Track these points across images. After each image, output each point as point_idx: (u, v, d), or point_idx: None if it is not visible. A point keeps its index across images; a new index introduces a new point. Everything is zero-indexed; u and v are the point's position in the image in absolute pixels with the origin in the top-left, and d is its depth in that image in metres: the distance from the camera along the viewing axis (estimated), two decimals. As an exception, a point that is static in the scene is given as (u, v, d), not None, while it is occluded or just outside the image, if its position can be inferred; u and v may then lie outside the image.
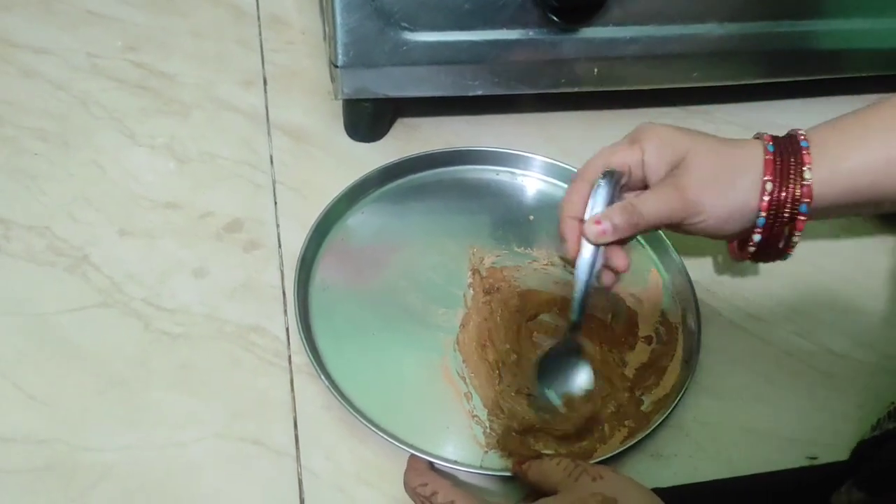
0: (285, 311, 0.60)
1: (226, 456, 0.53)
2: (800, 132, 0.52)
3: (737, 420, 0.57)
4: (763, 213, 0.52)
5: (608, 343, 0.60)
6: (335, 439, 0.54)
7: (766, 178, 0.51)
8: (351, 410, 0.53)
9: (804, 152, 0.51)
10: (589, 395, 0.56)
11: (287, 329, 0.59)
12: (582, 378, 0.57)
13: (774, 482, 0.55)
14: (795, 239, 0.53)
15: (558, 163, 0.70)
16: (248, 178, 0.69)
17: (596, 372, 0.57)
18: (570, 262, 0.55)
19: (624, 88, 0.72)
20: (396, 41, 0.65)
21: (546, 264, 0.64)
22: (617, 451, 0.53)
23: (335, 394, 0.54)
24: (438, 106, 0.73)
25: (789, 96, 0.79)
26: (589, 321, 0.60)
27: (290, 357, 0.58)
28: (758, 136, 0.54)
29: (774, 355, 0.61)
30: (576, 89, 0.70)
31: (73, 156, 0.69)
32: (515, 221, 0.67)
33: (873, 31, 0.71)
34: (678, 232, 0.55)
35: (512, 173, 0.71)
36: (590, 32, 0.67)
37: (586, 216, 0.53)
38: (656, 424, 0.54)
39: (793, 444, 0.56)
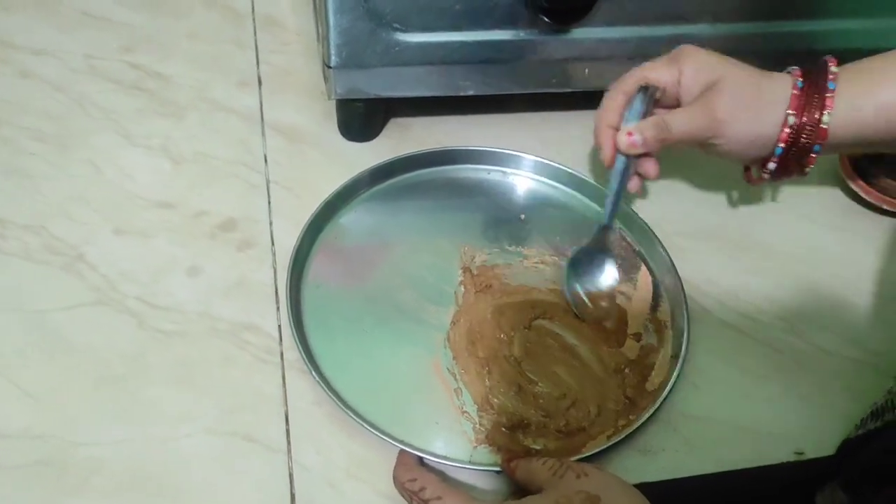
0: (278, 308, 0.61)
1: (218, 451, 0.53)
2: (831, 67, 0.55)
3: (724, 415, 0.58)
4: (782, 144, 0.56)
5: (599, 340, 0.60)
6: (326, 435, 0.55)
7: (789, 112, 0.55)
8: (342, 406, 0.54)
9: (828, 95, 0.54)
10: (612, 292, 0.61)
11: (279, 326, 0.60)
12: (607, 276, 0.61)
13: (761, 477, 0.56)
14: (808, 170, 0.58)
15: (549, 162, 0.70)
16: (243, 177, 0.70)
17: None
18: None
19: (615, 88, 0.73)
20: (388, 42, 0.65)
21: (537, 262, 0.65)
22: (605, 447, 0.53)
23: (326, 390, 0.54)
24: (430, 106, 0.74)
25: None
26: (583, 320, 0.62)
27: (282, 354, 0.59)
28: (790, 71, 0.58)
29: (763, 352, 0.62)
30: (567, 89, 0.71)
31: (70, 156, 0.70)
32: (506, 220, 0.68)
33: (867, 30, 0.72)
34: (702, 151, 0.60)
35: (503, 172, 0.72)
36: (580, 33, 0.67)
37: (621, 126, 0.58)
38: (644, 419, 0.55)
39: (780, 440, 0.57)
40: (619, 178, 0.60)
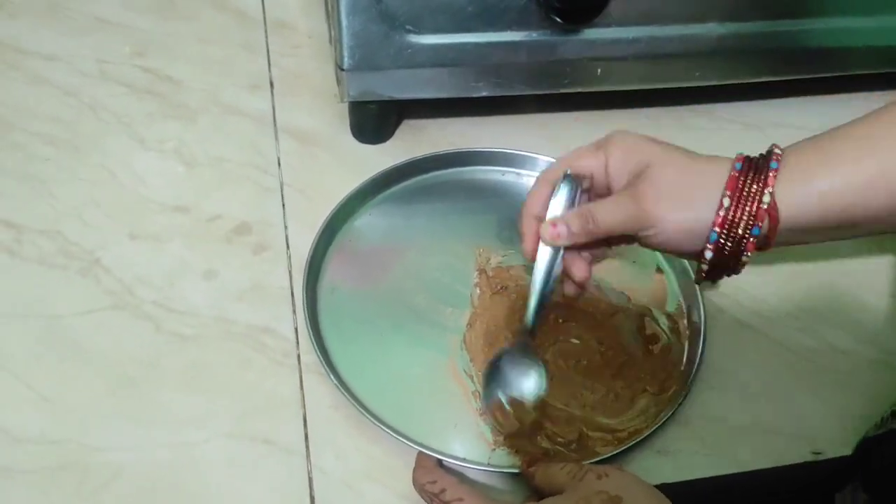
0: (294, 311, 0.61)
1: (236, 455, 0.53)
2: (776, 150, 0.49)
3: (741, 416, 0.58)
4: (716, 229, 0.48)
5: (610, 343, 0.60)
6: (344, 438, 0.55)
7: (725, 194, 0.48)
8: (360, 409, 0.54)
9: (771, 174, 0.48)
10: (538, 401, 0.54)
11: (296, 329, 0.60)
12: (533, 383, 0.54)
13: (779, 477, 0.55)
14: (745, 258, 0.50)
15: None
16: (256, 181, 0.70)
17: (552, 377, 0.56)
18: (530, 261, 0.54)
19: (626, 88, 0.73)
20: (401, 44, 0.65)
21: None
22: (623, 448, 0.53)
23: (344, 393, 0.54)
24: (443, 107, 0.74)
25: (791, 94, 0.80)
26: (591, 320, 0.61)
27: (299, 357, 0.59)
28: (736, 156, 0.51)
29: (778, 352, 0.61)
30: (579, 90, 0.71)
31: (83, 160, 0.70)
32: (521, 221, 0.68)
33: (874, 28, 0.72)
34: (639, 244, 0.53)
35: (517, 174, 0.72)
36: (592, 33, 0.67)
37: (546, 218, 0.52)
38: (662, 421, 0.55)
39: (797, 440, 0.57)
40: (543, 274, 0.53)
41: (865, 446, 0.54)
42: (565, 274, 0.54)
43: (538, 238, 0.53)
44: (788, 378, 0.60)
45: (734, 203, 0.48)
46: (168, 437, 0.54)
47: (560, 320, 0.61)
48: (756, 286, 0.65)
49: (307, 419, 0.55)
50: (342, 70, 0.66)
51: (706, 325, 0.60)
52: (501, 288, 0.63)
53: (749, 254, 0.49)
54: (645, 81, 0.73)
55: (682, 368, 0.59)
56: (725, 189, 0.48)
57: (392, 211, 0.69)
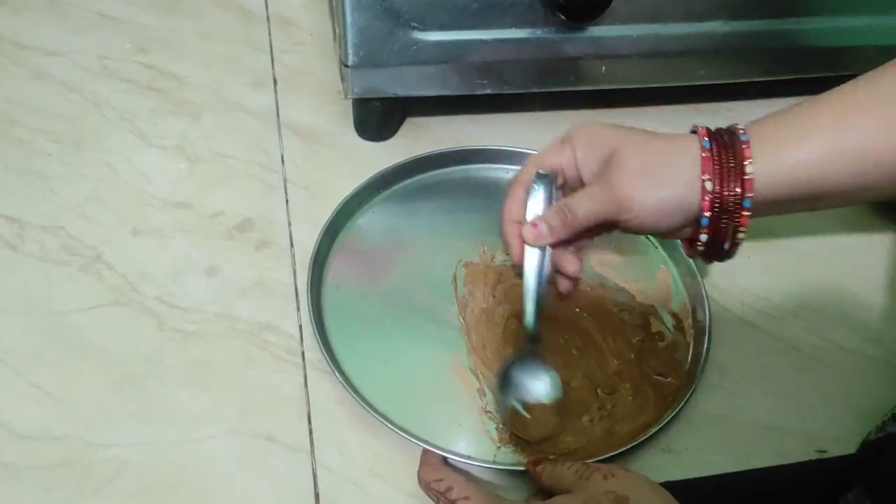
0: (298, 308, 0.61)
1: (241, 452, 0.53)
2: (739, 126, 0.50)
3: (746, 414, 0.57)
4: (707, 213, 0.49)
5: (619, 339, 0.60)
6: (349, 435, 0.55)
7: (705, 177, 0.49)
8: (364, 406, 0.54)
9: (744, 146, 0.49)
10: (555, 405, 0.54)
11: (300, 326, 0.60)
12: (546, 387, 0.54)
13: (784, 475, 0.55)
14: (741, 236, 0.51)
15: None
16: (259, 177, 0.70)
17: (564, 384, 0.56)
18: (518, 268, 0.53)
19: (631, 86, 0.73)
20: (406, 41, 0.65)
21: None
22: (629, 447, 0.53)
23: (349, 390, 0.54)
24: (447, 105, 0.74)
25: (795, 94, 0.79)
26: (602, 316, 0.61)
27: (303, 354, 0.58)
28: (693, 130, 0.52)
29: (783, 350, 0.61)
30: (583, 87, 0.71)
31: (86, 156, 0.70)
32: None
33: (878, 27, 0.72)
34: (621, 231, 0.53)
35: (521, 172, 0.71)
36: (597, 31, 0.67)
37: (526, 220, 0.52)
38: (667, 419, 0.54)
39: (802, 438, 0.56)
40: (535, 275, 0.52)
41: (866, 451, 0.54)
42: (557, 272, 0.54)
43: (521, 242, 0.52)
44: (793, 377, 0.60)
45: (717, 184, 0.49)
46: (171, 434, 0.54)
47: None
48: (761, 285, 0.65)
49: (311, 416, 0.55)
50: (346, 67, 0.66)
51: (711, 323, 0.60)
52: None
53: (745, 230, 0.50)
54: (649, 80, 0.73)
55: (688, 367, 0.59)
56: (703, 171, 0.49)
57: (396, 209, 0.68)
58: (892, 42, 0.73)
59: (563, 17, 0.65)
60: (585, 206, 0.51)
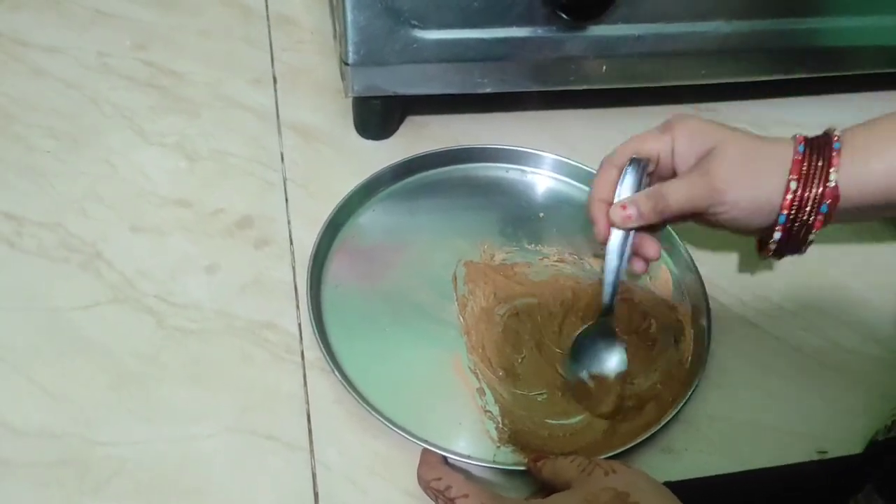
0: (297, 307, 0.61)
1: (239, 450, 0.53)
2: (835, 133, 0.52)
3: (747, 415, 0.57)
4: (784, 211, 0.52)
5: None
6: (348, 433, 0.54)
7: (791, 178, 0.51)
8: (364, 405, 0.53)
9: (834, 154, 0.51)
10: (621, 377, 0.56)
11: (299, 325, 0.60)
12: (614, 360, 0.56)
13: (785, 476, 0.55)
14: (812, 237, 0.53)
15: (568, 160, 0.70)
16: (259, 175, 0.70)
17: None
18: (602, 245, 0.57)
19: (632, 86, 0.73)
20: (406, 39, 0.65)
21: (556, 261, 0.65)
22: (628, 447, 0.53)
23: (348, 388, 0.54)
24: (448, 104, 0.73)
25: (797, 93, 0.80)
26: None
27: (302, 352, 0.58)
28: (794, 137, 0.54)
29: (784, 350, 0.61)
30: (584, 87, 0.71)
31: (84, 153, 0.70)
32: (526, 218, 0.68)
33: (881, 27, 0.71)
34: (703, 223, 0.56)
35: (522, 171, 0.71)
36: (598, 30, 0.67)
37: (614, 201, 0.55)
38: (667, 419, 0.54)
39: (803, 439, 0.56)
40: (616, 255, 0.56)
41: (876, 450, 0.54)
42: (635, 253, 0.57)
43: (608, 222, 0.56)
44: (794, 377, 0.60)
45: (800, 185, 0.51)
46: (170, 432, 0.53)
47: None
48: (762, 285, 0.65)
49: (310, 415, 0.55)
50: (347, 65, 0.66)
51: (711, 323, 0.60)
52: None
53: (815, 232, 0.53)
54: (650, 79, 0.73)
55: (688, 367, 0.59)
56: (791, 172, 0.51)
57: (395, 208, 0.68)
58: (894, 42, 0.73)
59: (564, 16, 0.65)
60: (682, 194, 0.54)
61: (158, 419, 0.54)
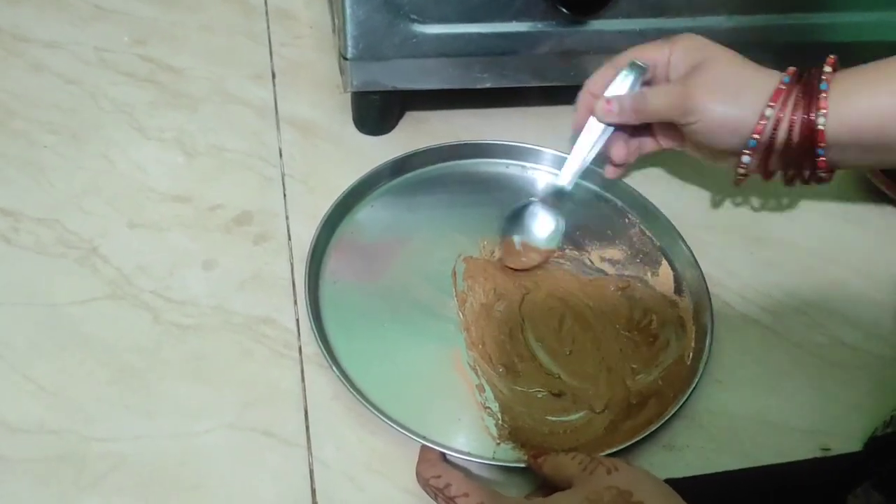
0: (295, 302, 0.60)
1: (237, 446, 0.53)
2: (824, 73, 0.53)
3: (749, 411, 0.57)
4: (756, 136, 0.54)
5: (623, 336, 0.60)
6: (346, 430, 0.54)
7: (769, 104, 0.53)
8: (362, 401, 0.53)
9: (821, 95, 0.52)
10: (546, 243, 0.62)
11: (297, 320, 0.59)
12: (548, 233, 0.63)
13: (788, 473, 0.55)
14: (822, 171, 0.55)
15: (568, 156, 0.69)
16: (258, 170, 0.69)
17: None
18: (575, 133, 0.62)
19: (633, 81, 0.72)
20: (406, 33, 0.65)
21: (557, 257, 0.64)
22: (630, 443, 0.52)
23: (346, 384, 0.54)
24: (447, 99, 0.73)
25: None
26: (603, 310, 0.61)
27: (300, 348, 0.58)
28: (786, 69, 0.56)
29: (786, 347, 0.61)
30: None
31: (83, 149, 0.69)
32: (525, 214, 0.67)
33: (884, 22, 0.71)
34: (683, 145, 0.61)
35: (521, 166, 0.71)
36: (599, 25, 0.67)
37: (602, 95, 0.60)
38: (669, 416, 0.54)
39: (805, 435, 0.56)
40: (587, 145, 0.62)
41: (875, 446, 0.54)
42: (605, 155, 0.62)
43: (589, 112, 0.61)
44: (796, 373, 0.59)
45: (776, 114, 0.53)
46: (168, 428, 0.53)
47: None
48: (763, 281, 0.65)
49: (308, 411, 0.55)
50: (345, 60, 0.66)
51: (713, 319, 0.60)
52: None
53: (824, 171, 0.55)
54: (651, 74, 0.72)
55: (689, 363, 0.58)
56: (771, 99, 0.53)
57: (394, 203, 0.68)
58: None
59: (564, 10, 0.64)
60: (658, 99, 0.57)
61: (156, 415, 0.54)
